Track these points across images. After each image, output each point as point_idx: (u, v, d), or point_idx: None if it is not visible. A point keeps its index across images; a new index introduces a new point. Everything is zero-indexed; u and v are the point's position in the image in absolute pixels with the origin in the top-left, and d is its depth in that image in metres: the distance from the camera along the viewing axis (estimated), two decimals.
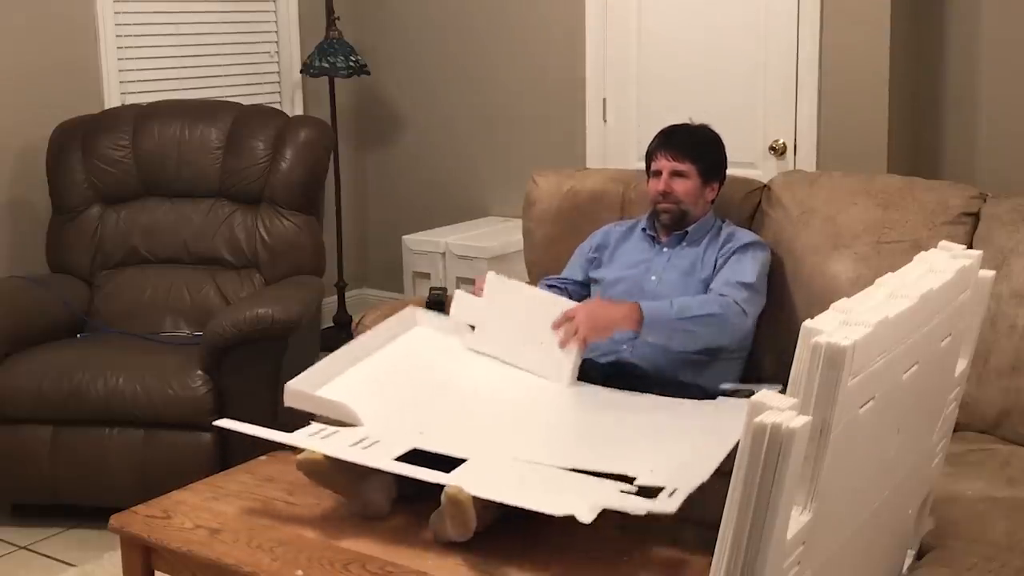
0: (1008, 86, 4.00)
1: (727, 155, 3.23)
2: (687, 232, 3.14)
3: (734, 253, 3.06)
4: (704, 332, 2.89)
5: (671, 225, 3.14)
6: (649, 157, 3.20)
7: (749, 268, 3.02)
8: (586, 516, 2.06)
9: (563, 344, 2.82)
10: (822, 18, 4.09)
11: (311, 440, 2.39)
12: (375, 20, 5.35)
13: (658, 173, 3.14)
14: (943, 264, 1.88)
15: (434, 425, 2.54)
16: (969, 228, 3.01)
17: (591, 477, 2.28)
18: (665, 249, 3.16)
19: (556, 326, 2.85)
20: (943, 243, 2.04)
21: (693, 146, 3.14)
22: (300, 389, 2.61)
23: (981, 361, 2.80)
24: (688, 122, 3.25)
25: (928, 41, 4.13)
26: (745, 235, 3.14)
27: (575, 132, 4.76)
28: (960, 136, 4.12)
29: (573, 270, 3.28)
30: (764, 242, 3.14)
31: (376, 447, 2.36)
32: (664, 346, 2.98)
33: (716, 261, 3.08)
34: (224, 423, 2.51)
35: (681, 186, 3.11)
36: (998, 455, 2.70)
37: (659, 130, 3.24)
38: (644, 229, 3.22)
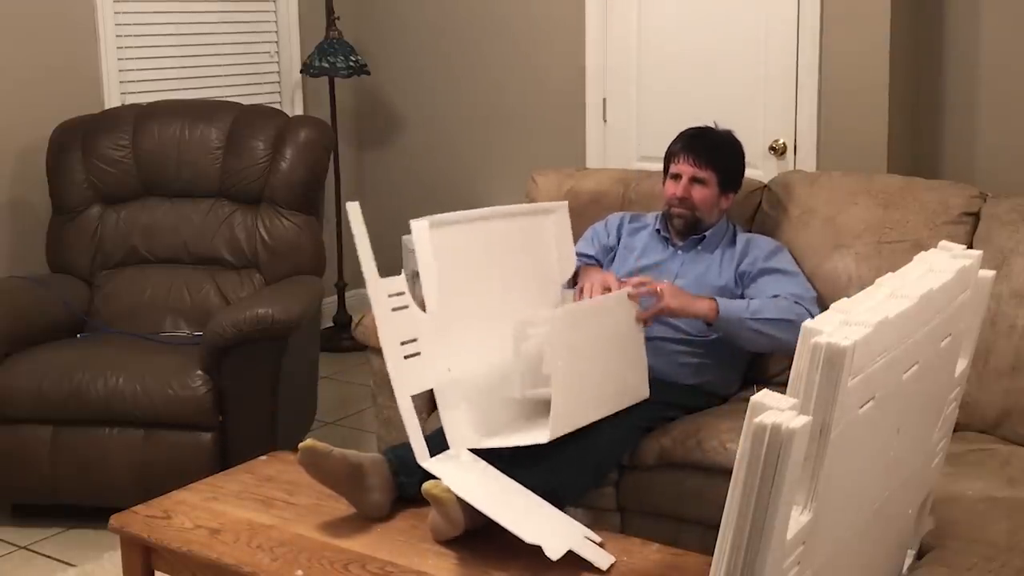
0: (1008, 86, 4.00)
1: (745, 170, 3.20)
2: (704, 237, 3.12)
3: (767, 268, 3.03)
4: (776, 336, 2.87)
5: (683, 230, 3.12)
6: (669, 158, 3.14)
7: (799, 282, 3.01)
8: (554, 553, 2.20)
9: (641, 318, 2.81)
10: (822, 18, 4.09)
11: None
12: (375, 20, 5.35)
13: (677, 176, 3.10)
14: (943, 264, 1.88)
15: (465, 358, 2.58)
16: (969, 228, 3.01)
17: (564, 516, 2.43)
18: (679, 252, 3.14)
19: (636, 290, 2.82)
20: (943, 243, 2.04)
21: (716, 154, 3.10)
22: (422, 225, 2.57)
23: (981, 361, 2.80)
24: (712, 126, 3.21)
25: (928, 41, 4.13)
26: (764, 242, 3.12)
27: (575, 132, 4.75)
28: (960, 136, 4.12)
29: (586, 246, 3.24)
30: (781, 244, 3.14)
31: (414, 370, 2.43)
32: (667, 347, 2.99)
33: (738, 272, 3.04)
34: None
35: (699, 193, 3.07)
36: (998, 455, 2.70)
37: (682, 131, 3.20)
38: (658, 230, 3.19)
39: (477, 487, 2.33)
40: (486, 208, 2.93)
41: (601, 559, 2.23)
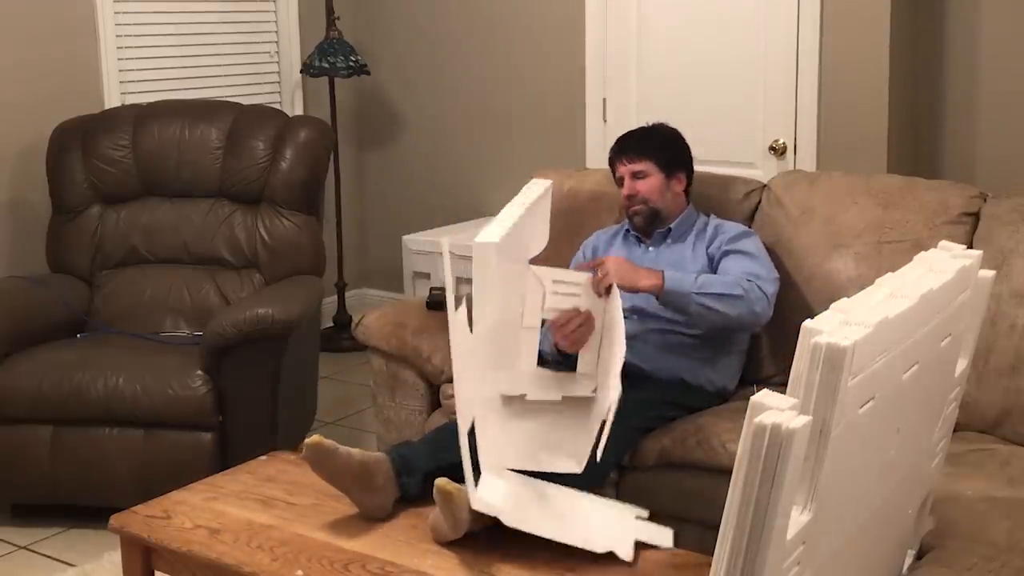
0: (1008, 86, 4.00)
1: (689, 147, 3.24)
2: (670, 229, 3.17)
3: (731, 249, 3.06)
4: (724, 311, 2.88)
5: (646, 226, 3.17)
6: (611, 167, 3.23)
7: (760, 263, 3.03)
8: (627, 555, 2.25)
9: (594, 287, 2.82)
10: (822, 18, 4.10)
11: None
12: (375, 20, 5.36)
13: (621, 180, 3.17)
14: (943, 264, 1.88)
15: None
16: (969, 228, 3.01)
17: (610, 505, 2.47)
18: (651, 249, 3.17)
19: (583, 268, 2.89)
20: (943, 243, 2.04)
21: (645, 143, 3.18)
22: (488, 249, 2.35)
23: (981, 361, 2.80)
24: (643, 125, 3.29)
25: (928, 41, 4.13)
26: (732, 226, 3.16)
27: (575, 132, 4.76)
28: (960, 136, 4.12)
29: None
30: (751, 230, 3.18)
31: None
32: (661, 343, 3.01)
33: (709, 255, 3.08)
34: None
35: (644, 185, 3.14)
36: (998, 455, 2.70)
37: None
38: (628, 231, 3.24)
39: (530, 511, 2.34)
40: (515, 204, 2.78)
41: (663, 538, 2.33)
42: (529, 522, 2.27)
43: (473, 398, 2.37)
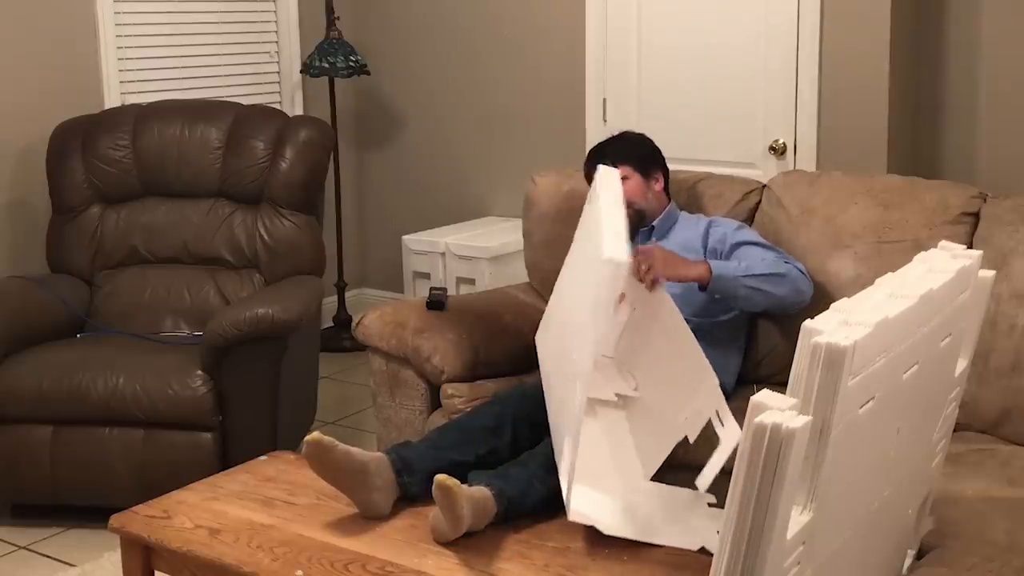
0: (1008, 86, 4.00)
1: (659, 148, 3.30)
2: (653, 227, 3.21)
3: (741, 240, 3.08)
4: (772, 291, 2.92)
5: (633, 229, 3.18)
6: (587, 179, 3.24)
7: (774, 248, 3.07)
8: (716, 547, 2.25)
9: (640, 277, 2.75)
10: (822, 17, 4.10)
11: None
12: (375, 20, 5.36)
13: None
14: (943, 264, 1.88)
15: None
16: (969, 228, 3.01)
17: (682, 494, 2.50)
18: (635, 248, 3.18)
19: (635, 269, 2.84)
20: (943, 243, 2.04)
21: (620, 150, 3.25)
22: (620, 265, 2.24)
23: (981, 361, 2.80)
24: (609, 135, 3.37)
25: (928, 41, 4.13)
26: (726, 220, 3.20)
27: (575, 132, 4.75)
28: (960, 136, 4.12)
29: None
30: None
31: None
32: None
33: (708, 249, 3.10)
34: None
35: (627, 188, 3.14)
36: (998, 455, 2.70)
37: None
38: None
39: (622, 517, 2.38)
40: (611, 199, 2.65)
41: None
42: (623, 528, 2.32)
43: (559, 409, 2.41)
